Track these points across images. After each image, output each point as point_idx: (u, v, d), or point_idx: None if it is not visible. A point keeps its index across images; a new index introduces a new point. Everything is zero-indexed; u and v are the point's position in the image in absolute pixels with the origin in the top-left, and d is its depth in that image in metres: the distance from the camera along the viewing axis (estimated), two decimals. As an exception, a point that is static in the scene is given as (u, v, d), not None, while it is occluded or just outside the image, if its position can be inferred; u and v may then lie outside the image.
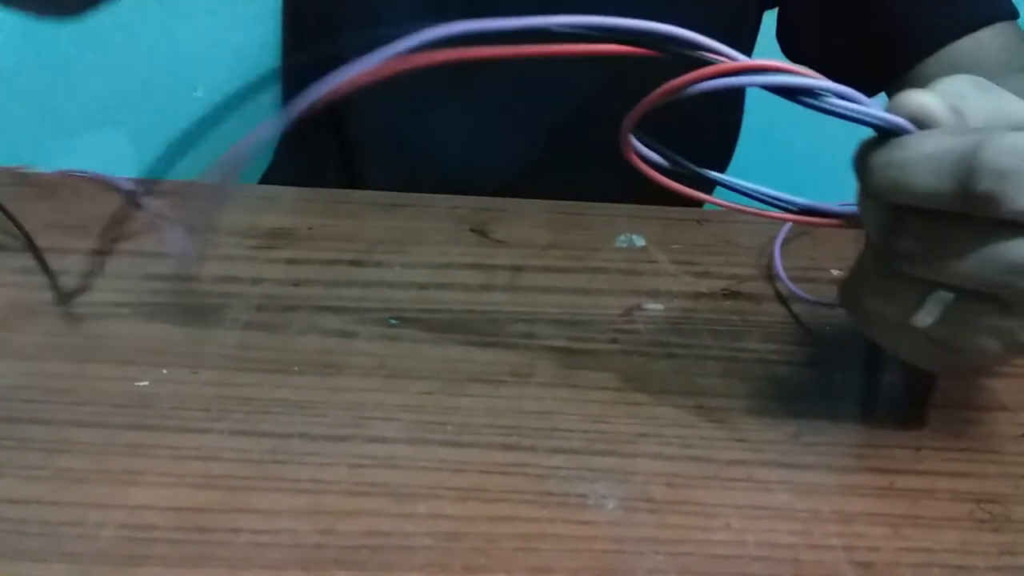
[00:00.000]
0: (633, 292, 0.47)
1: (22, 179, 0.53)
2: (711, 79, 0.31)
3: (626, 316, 0.46)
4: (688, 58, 0.32)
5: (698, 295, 0.47)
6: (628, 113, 0.33)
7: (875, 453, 0.38)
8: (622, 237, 0.52)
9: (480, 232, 0.52)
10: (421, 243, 0.50)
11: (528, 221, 0.53)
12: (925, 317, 0.33)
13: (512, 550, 0.33)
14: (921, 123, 0.32)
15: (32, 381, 0.39)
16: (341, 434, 0.37)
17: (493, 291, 0.47)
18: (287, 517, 0.34)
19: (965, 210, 0.30)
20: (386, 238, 0.51)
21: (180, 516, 0.33)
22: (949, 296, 0.33)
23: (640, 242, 0.51)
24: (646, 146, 0.34)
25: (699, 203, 0.35)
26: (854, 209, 0.34)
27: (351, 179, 0.68)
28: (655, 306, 0.46)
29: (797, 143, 1.11)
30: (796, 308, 0.47)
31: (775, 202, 0.35)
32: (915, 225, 0.32)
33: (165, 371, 0.40)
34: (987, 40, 0.60)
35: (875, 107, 0.32)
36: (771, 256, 0.50)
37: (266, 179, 0.74)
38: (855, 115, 0.32)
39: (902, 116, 0.32)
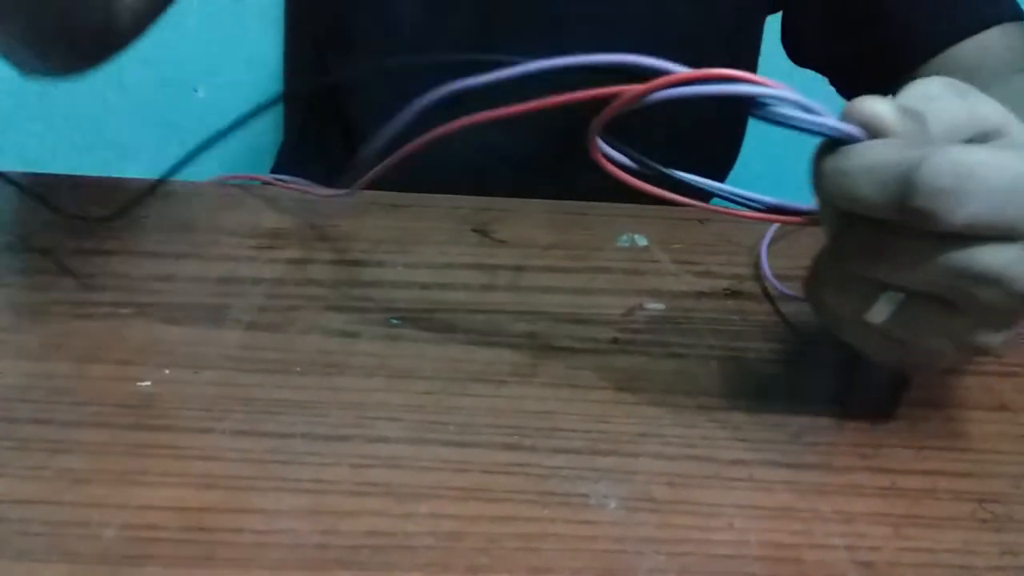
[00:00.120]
0: (635, 292, 0.47)
1: (23, 179, 0.53)
2: (665, 89, 0.32)
3: (628, 316, 0.46)
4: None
5: (700, 295, 0.47)
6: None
7: (877, 453, 0.38)
8: (624, 237, 0.52)
9: (482, 232, 0.52)
10: (423, 243, 0.50)
11: (530, 221, 0.53)
12: (878, 314, 0.34)
13: (514, 550, 0.33)
14: (872, 131, 0.32)
15: (34, 381, 0.39)
16: (343, 434, 0.37)
17: (495, 291, 0.47)
18: (289, 517, 0.34)
19: (905, 221, 0.31)
20: (388, 238, 0.51)
21: (182, 516, 0.33)
22: (901, 295, 0.34)
23: (642, 242, 0.51)
24: (613, 148, 0.35)
25: (667, 203, 0.36)
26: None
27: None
28: (657, 305, 0.46)
29: (800, 149, 1.11)
30: (798, 308, 0.47)
31: (743, 201, 0.35)
32: (863, 230, 0.33)
33: (167, 371, 0.40)
34: (991, 41, 0.60)
35: (829, 117, 0.32)
36: (759, 256, 0.50)
37: (276, 171, 0.74)
38: (808, 126, 0.32)
39: (854, 123, 0.32)
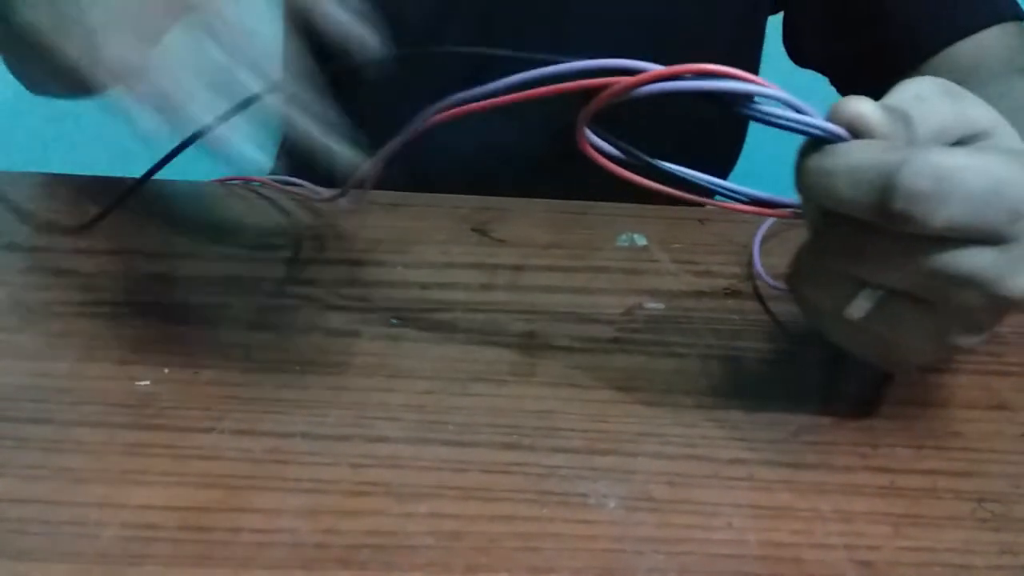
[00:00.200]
0: (634, 291, 0.47)
1: (24, 180, 0.53)
2: (653, 83, 0.32)
3: (627, 315, 0.46)
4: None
5: (699, 294, 0.47)
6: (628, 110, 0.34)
7: (876, 452, 0.38)
8: (623, 236, 0.52)
9: (481, 232, 0.52)
10: (423, 243, 0.50)
11: (529, 220, 0.53)
12: (856, 311, 0.34)
13: (513, 549, 0.33)
14: (856, 132, 0.32)
15: (33, 381, 0.39)
16: (342, 434, 0.37)
17: (495, 290, 0.47)
18: (288, 516, 0.34)
19: (884, 223, 0.31)
20: (388, 238, 0.51)
21: (181, 515, 0.33)
22: (880, 292, 0.34)
23: (641, 241, 0.51)
24: (601, 138, 0.35)
25: (656, 193, 0.36)
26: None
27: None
28: (656, 305, 0.46)
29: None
30: (796, 308, 0.46)
31: (729, 193, 0.35)
32: (844, 228, 0.33)
33: (166, 370, 0.40)
34: (989, 41, 0.60)
35: (815, 116, 0.32)
36: (751, 254, 0.50)
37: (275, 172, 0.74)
38: (793, 125, 0.32)
39: (839, 123, 0.32)
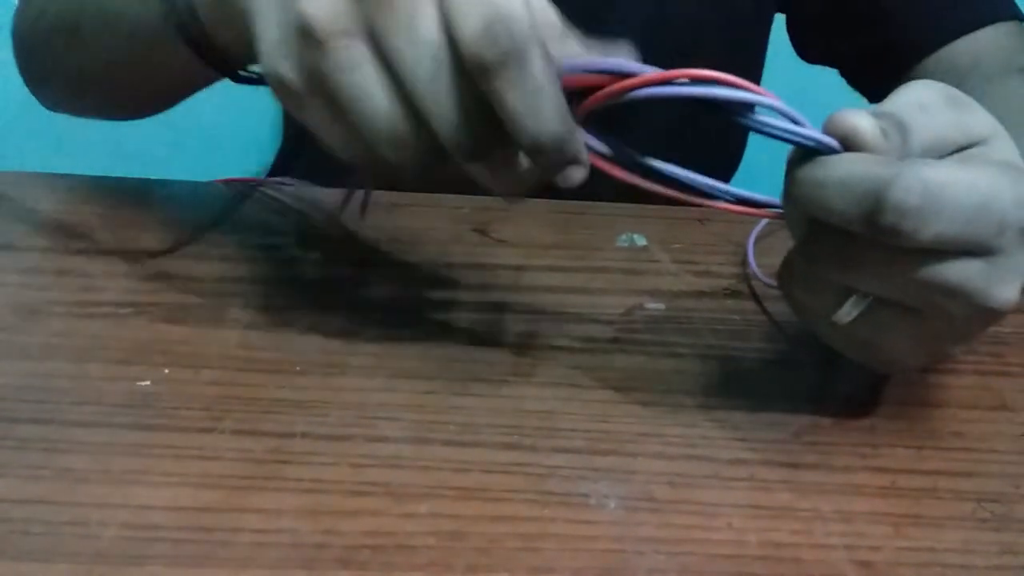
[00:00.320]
0: (635, 291, 0.47)
1: (25, 180, 0.53)
2: (646, 87, 0.32)
3: (628, 315, 0.46)
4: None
5: (700, 294, 0.47)
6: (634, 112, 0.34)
7: (876, 452, 0.38)
8: (623, 236, 0.52)
9: (482, 232, 0.51)
10: (423, 243, 0.50)
11: (530, 221, 0.53)
12: (844, 316, 0.35)
13: (514, 549, 0.33)
14: (851, 145, 0.32)
15: (34, 381, 0.39)
16: (343, 434, 0.37)
17: (495, 291, 0.47)
18: (289, 517, 0.34)
19: (873, 235, 0.32)
20: (388, 238, 0.50)
21: (182, 516, 0.33)
22: (868, 298, 0.34)
23: (642, 241, 0.51)
24: (595, 137, 0.35)
25: (640, 191, 0.36)
26: None
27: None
28: (657, 305, 0.46)
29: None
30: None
31: (714, 192, 0.35)
32: (832, 237, 0.33)
33: (167, 371, 0.40)
34: (987, 40, 0.60)
35: (809, 127, 0.33)
36: (746, 254, 0.50)
37: (275, 171, 0.74)
38: (788, 136, 0.32)
39: (834, 135, 0.32)
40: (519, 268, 0.49)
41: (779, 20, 0.71)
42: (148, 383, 0.39)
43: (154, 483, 0.35)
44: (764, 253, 0.49)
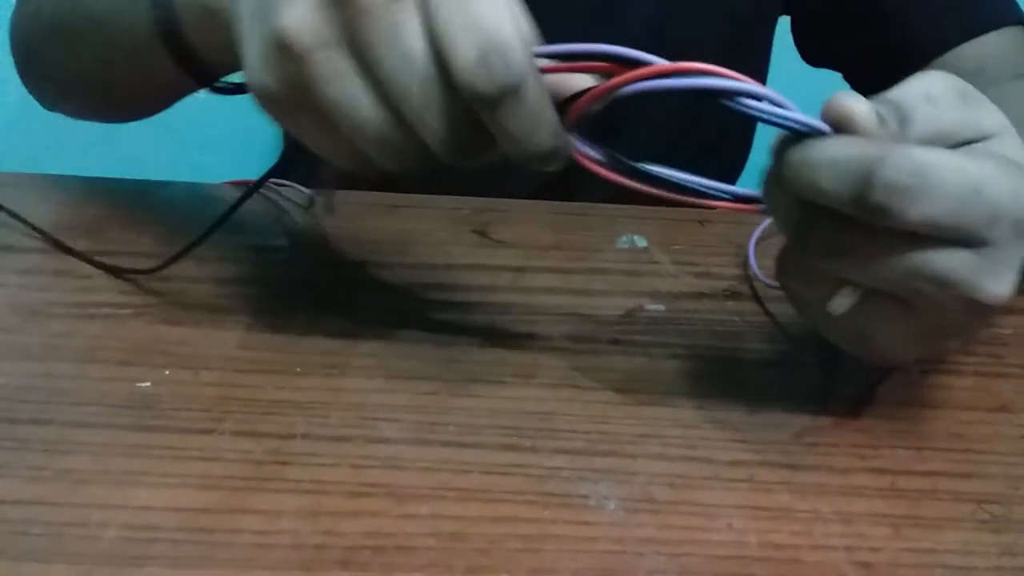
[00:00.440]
0: (635, 293, 0.47)
1: (25, 181, 0.53)
2: (634, 83, 0.32)
3: (628, 317, 0.46)
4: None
5: (700, 296, 0.47)
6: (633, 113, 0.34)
7: (876, 454, 0.38)
8: (624, 238, 0.52)
9: (482, 233, 0.52)
10: (423, 244, 0.50)
11: (530, 222, 0.53)
12: (838, 307, 0.35)
13: (514, 551, 0.33)
14: (844, 130, 0.32)
15: (34, 382, 0.39)
16: (343, 435, 0.37)
17: (495, 292, 0.47)
18: (289, 518, 0.34)
19: (862, 216, 0.32)
20: (388, 239, 0.51)
21: (182, 517, 0.34)
22: (861, 289, 0.34)
23: (642, 243, 0.51)
24: (587, 145, 0.35)
25: (638, 193, 0.36)
26: None
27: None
28: (657, 307, 0.46)
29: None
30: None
31: (710, 191, 0.35)
32: (825, 225, 0.33)
33: (167, 372, 0.40)
34: (992, 44, 0.60)
35: (797, 111, 0.33)
36: (747, 256, 0.50)
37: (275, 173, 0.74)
38: (778, 120, 0.32)
39: (829, 118, 0.32)
40: (519, 269, 0.49)
41: (785, 23, 0.71)
42: (148, 384, 0.39)
43: (154, 484, 0.35)
44: (765, 254, 0.49)
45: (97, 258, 0.47)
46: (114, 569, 0.32)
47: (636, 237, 0.52)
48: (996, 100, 0.35)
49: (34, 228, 0.48)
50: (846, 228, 0.33)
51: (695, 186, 0.35)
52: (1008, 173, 0.32)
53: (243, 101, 0.52)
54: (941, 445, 0.39)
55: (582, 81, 0.33)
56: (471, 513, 0.34)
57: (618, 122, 0.34)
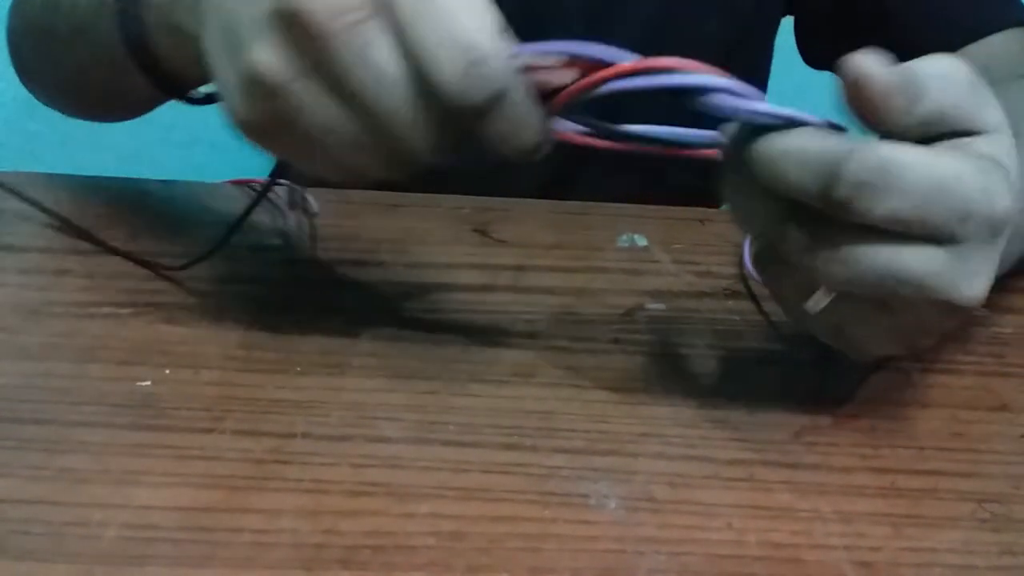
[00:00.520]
0: (635, 292, 0.47)
1: (25, 180, 0.53)
2: (605, 84, 0.32)
3: (628, 316, 0.46)
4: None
5: (700, 295, 0.47)
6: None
7: (876, 453, 0.38)
8: (624, 237, 0.52)
9: (482, 232, 0.52)
10: (423, 243, 0.50)
11: (530, 221, 0.53)
12: (814, 305, 0.35)
13: (514, 550, 0.33)
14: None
15: (34, 381, 0.39)
16: (343, 434, 0.37)
17: (495, 291, 0.47)
18: (289, 517, 0.34)
19: (830, 211, 0.32)
20: (388, 238, 0.51)
21: (183, 516, 0.34)
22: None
23: (642, 242, 0.51)
24: (574, 121, 0.35)
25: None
26: None
27: None
28: (657, 306, 0.46)
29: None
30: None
31: (694, 140, 0.35)
32: (797, 224, 0.33)
33: (167, 371, 0.40)
34: (996, 46, 0.60)
35: (765, 103, 0.32)
36: (742, 254, 0.49)
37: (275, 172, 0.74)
38: (748, 114, 0.32)
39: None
40: (519, 268, 0.49)
41: (788, 24, 0.71)
42: (149, 383, 0.39)
43: (155, 483, 0.35)
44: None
45: (97, 257, 0.47)
46: (115, 568, 0.32)
47: (636, 236, 0.52)
48: (998, 98, 0.35)
49: (69, 224, 0.48)
50: (817, 226, 0.33)
51: (678, 138, 0.35)
52: (984, 172, 0.32)
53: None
54: (941, 444, 0.39)
55: (564, 76, 0.33)
56: (471, 512, 0.34)
57: (614, 108, 0.34)
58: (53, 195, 0.51)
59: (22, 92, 0.61)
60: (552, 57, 0.33)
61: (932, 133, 0.33)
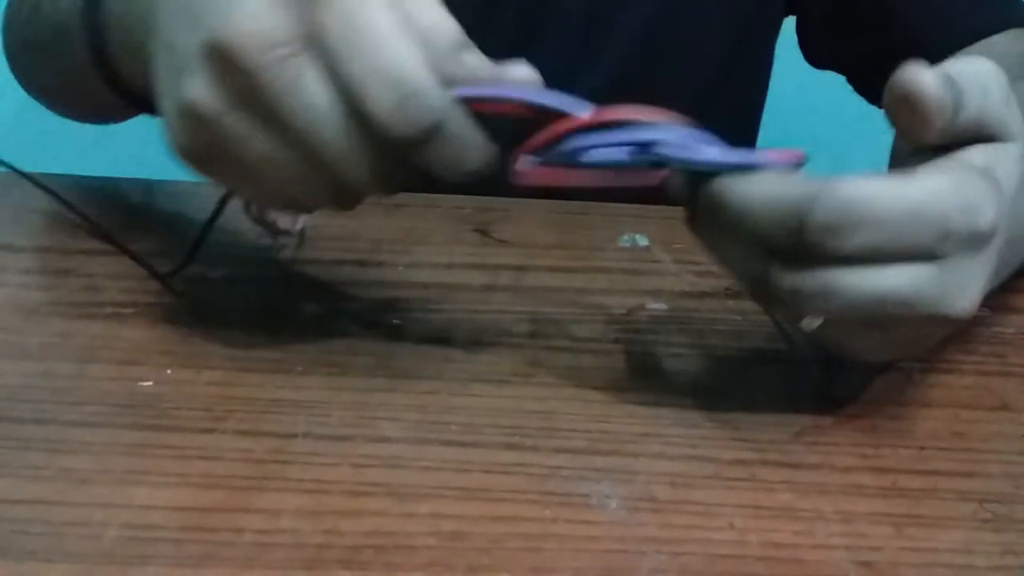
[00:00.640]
0: (636, 292, 0.47)
1: (25, 180, 0.53)
2: (560, 140, 0.33)
3: (629, 316, 0.46)
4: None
5: (701, 294, 0.47)
6: None
7: (878, 453, 0.38)
8: (625, 237, 0.52)
9: (483, 232, 0.52)
10: (424, 243, 0.50)
11: (531, 221, 0.53)
12: (807, 327, 0.35)
13: (515, 550, 0.33)
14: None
15: (35, 381, 0.39)
16: (344, 434, 0.37)
17: (496, 291, 0.47)
18: (290, 517, 0.34)
19: (802, 251, 0.32)
20: (389, 238, 0.51)
21: (183, 516, 0.33)
22: None
23: (643, 242, 0.51)
24: (529, 157, 0.35)
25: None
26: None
27: None
28: (658, 305, 0.46)
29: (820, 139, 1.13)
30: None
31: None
32: (779, 259, 0.33)
33: (168, 371, 0.40)
34: (999, 46, 0.60)
35: (714, 151, 0.33)
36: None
37: None
38: (700, 165, 0.33)
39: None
40: (520, 268, 0.49)
41: (789, 24, 0.71)
42: (150, 383, 0.39)
43: (155, 483, 0.35)
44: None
45: (97, 257, 0.47)
46: (115, 568, 0.31)
47: (637, 236, 0.52)
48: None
49: (92, 223, 0.49)
50: (797, 262, 0.33)
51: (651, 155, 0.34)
52: (965, 186, 0.32)
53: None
54: (943, 444, 0.39)
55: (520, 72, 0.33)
56: (472, 512, 0.34)
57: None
58: (51, 195, 0.51)
59: (21, 93, 0.61)
60: (504, 104, 0.33)
61: (961, 141, 0.33)
